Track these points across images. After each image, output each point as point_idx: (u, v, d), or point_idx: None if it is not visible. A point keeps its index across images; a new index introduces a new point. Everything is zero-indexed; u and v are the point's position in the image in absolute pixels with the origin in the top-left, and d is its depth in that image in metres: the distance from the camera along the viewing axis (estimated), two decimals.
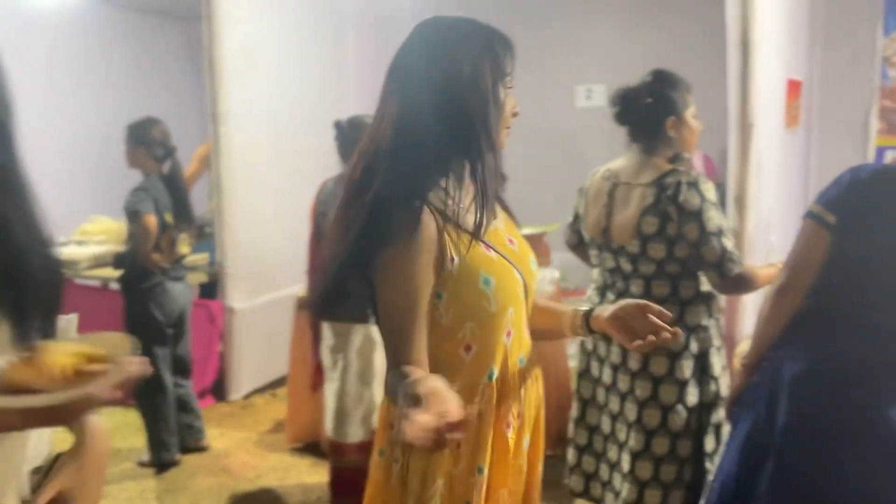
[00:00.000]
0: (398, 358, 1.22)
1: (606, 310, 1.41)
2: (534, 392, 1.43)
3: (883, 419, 1.69)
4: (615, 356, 2.25)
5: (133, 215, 3.27)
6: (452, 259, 1.24)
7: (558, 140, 5.21)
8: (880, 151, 4.48)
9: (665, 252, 2.14)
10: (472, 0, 5.30)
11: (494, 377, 1.32)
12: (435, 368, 1.25)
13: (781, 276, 1.85)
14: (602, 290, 2.32)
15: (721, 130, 3.00)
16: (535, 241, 3.60)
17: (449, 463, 1.29)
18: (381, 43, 5.09)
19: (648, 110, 2.21)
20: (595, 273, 2.38)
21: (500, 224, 1.39)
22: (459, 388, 1.23)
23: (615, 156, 2.74)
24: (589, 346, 2.36)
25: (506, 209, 1.45)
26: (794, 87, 3.72)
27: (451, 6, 6.12)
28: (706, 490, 2.14)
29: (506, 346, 1.35)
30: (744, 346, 2.54)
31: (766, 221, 3.10)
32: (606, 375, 2.29)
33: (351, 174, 1.29)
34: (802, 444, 1.75)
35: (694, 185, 2.11)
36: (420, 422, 0.93)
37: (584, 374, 2.38)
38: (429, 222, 1.22)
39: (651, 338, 1.28)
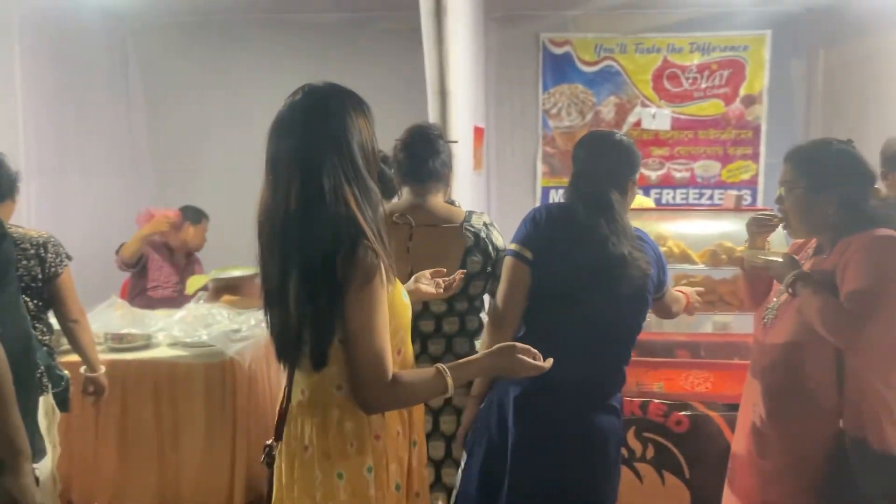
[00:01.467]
0: (385, 370, 1.43)
1: (409, 285, 1.81)
2: None
3: (584, 425, 1.95)
4: None
5: None
6: (389, 281, 1.47)
7: (260, 177, 5.11)
8: (545, 191, 5.15)
9: (482, 288, 2.23)
10: (153, 50, 5.06)
11: None
12: None
13: (495, 311, 2.03)
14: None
15: None
16: (248, 283, 3.48)
17: (405, 443, 1.60)
18: (56, 56, 4.57)
19: (445, 157, 2.26)
20: None
21: None
22: None
23: None
24: None
25: None
26: (479, 134, 4.12)
27: (134, 41, 5.59)
28: None
29: (412, 347, 1.67)
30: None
31: None
32: None
33: (271, 230, 1.48)
34: (528, 460, 1.92)
35: (493, 225, 2.28)
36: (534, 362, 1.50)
37: None
38: (377, 256, 1.42)
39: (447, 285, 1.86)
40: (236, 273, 3.49)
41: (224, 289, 3.45)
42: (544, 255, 1.97)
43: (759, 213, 2.34)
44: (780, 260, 2.02)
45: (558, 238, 1.98)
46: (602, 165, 2.01)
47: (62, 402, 2.51)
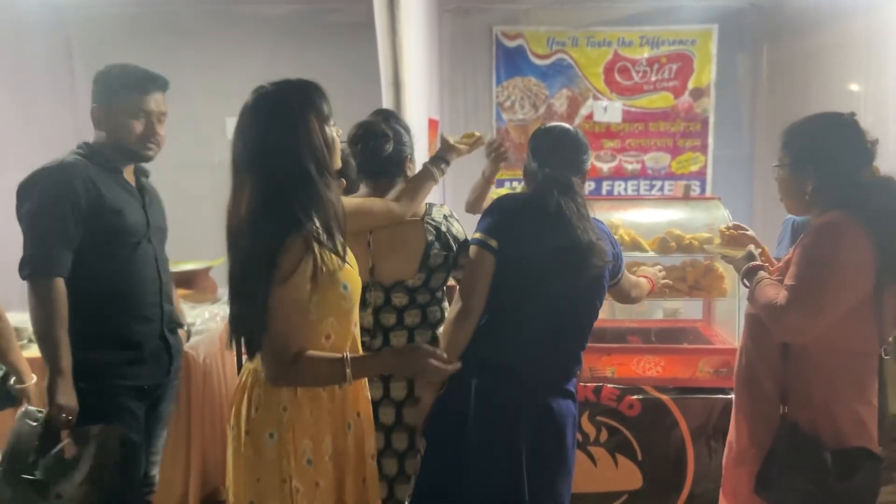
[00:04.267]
0: (283, 349, 1.57)
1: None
2: None
3: (543, 409, 1.99)
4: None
5: None
6: (322, 272, 1.58)
7: (211, 172, 5.04)
8: (500, 183, 5.17)
9: (443, 280, 2.24)
10: (98, 42, 4.93)
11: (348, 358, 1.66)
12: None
13: (460, 301, 2.03)
14: (371, 331, 2.22)
15: None
16: (201, 277, 3.43)
17: (331, 424, 1.69)
18: None
19: (395, 148, 2.23)
20: None
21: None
22: None
23: None
24: None
25: None
26: (433, 126, 4.13)
27: (78, 33, 5.39)
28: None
29: (354, 334, 1.75)
30: None
31: None
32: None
33: (232, 225, 1.59)
34: (488, 445, 1.96)
35: (452, 216, 2.30)
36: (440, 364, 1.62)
37: None
38: (308, 251, 1.54)
39: None
40: (189, 266, 3.43)
41: (178, 282, 3.40)
42: (509, 243, 2.00)
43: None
44: (739, 254, 2.08)
45: (525, 226, 2.01)
46: (565, 155, 2.06)
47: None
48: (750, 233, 2.32)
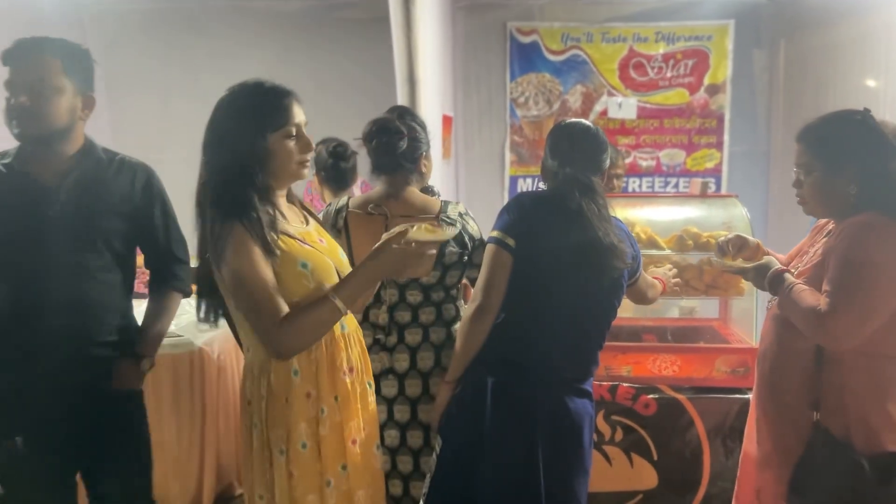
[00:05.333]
0: (269, 317, 1.58)
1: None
2: (357, 349, 1.81)
3: (560, 409, 1.98)
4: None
5: None
6: (272, 254, 1.62)
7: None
8: (513, 180, 5.17)
9: (457, 277, 2.24)
10: (113, 37, 4.94)
11: (322, 342, 1.70)
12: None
13: (476, 299, 2.01)
14: (386, 328, 2.24)
15: None
16: None
17: (304, 412, 1.68)
18: (9, 42, 4.41)
19: (410, 145, 2.20)
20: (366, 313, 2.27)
21: (311, 228, 1.80)
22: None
23: None
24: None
25: (314, 217, 1.87)
26: (447, 123, 4.13)
27: (93, 27, 5.35)
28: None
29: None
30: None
31: None
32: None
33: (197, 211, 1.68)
34: (504, 444, 1.95)
35: (468, 214, 2.28)
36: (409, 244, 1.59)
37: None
38: (247, 235, 1.59)
39: None
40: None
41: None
42: (527, 242, 1.98)
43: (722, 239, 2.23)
44: (752, 266, 2.02)
45: (543, 225, 1.99)
46: (586, 154, 2.03)
47: None
48: (747, 241, 2.19)
